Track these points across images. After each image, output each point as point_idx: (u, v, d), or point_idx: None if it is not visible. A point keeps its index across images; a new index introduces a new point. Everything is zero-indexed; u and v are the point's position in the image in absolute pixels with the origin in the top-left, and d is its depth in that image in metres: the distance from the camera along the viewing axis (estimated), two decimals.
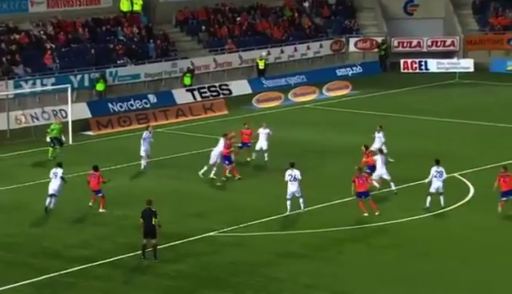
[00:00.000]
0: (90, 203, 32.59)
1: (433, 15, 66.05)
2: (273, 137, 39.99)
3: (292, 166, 31.87)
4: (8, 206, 33.63)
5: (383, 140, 37.60)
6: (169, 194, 34.14)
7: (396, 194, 33.52)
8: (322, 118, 49.38)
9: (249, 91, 56.02)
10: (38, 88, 49.76)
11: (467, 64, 61.64)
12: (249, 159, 38.83)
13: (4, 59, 50.67)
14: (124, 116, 48.59)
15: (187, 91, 54.42)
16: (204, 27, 59.96)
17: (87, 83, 52.22)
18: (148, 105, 51.72)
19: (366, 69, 61.82)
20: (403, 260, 27.39)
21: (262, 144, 38.65)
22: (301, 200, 31.71)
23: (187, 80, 55.09)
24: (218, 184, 35.85)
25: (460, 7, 66.35)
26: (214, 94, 54.93)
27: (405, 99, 53.88)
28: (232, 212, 32.10)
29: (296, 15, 64.57)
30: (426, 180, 32.09)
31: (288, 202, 31.58)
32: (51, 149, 40.72)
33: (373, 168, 33.98)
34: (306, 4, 66.41)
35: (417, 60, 62.59)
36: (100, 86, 52.19)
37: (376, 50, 63.63)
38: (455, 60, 62.24)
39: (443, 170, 31.87)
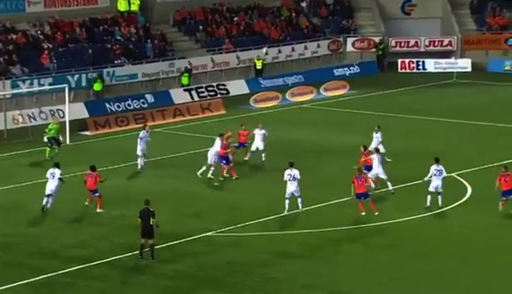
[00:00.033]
0: (86, 203, 32.56)
1: (431, 14, 66.07)
2: (271, 137, 39.99)
3: (291, 165, 31.89)
4: (5, 206, 33.60)
5: (380, 139, 37.61)
6: (167, 194, 34.12)
7: (393, 194, 33.52)
8: (320, 117, 49.38)
9: (246, 90, 56.02)
10: (36, 88, 49.72)
11: (464, 64, 61.67)
12: (246, 158, 38.82)
13: (1, 59, 50.63)
14: (122, 116, 48.56)
15: (185, 90, 54.40)
16: (201, 27, 59.95)
17: (84, 83, 52.18)
18: (145, 105, 51.69)
19: (363, 69, 61.82)
20: (400, 260, 27.39)
21: (257, 144, 38.66)
22: (299, 200, 31.72)
23: (185, 80, 55.08)
24: (216, 184, 35.84)
25: (457, 7, 66.38)
26: (212, 94, 54.92)
27: (402, 99, 53.89)
28: (230, 212, 32.09)
29: (294, 15, 64.56)
30: (425, 178, 32.13)
31: (286, 202, 31.59)
32: (48, 149, 40.69)
33: (370, 168, 33.98)
34: (303, 4, 66.42)
35: (415, 60, 62.61)
36: (97, 86, 52.15)
37: (374, 50, 63.64)
38: (452, 60, 62.27)
39: (443, 168, 31.92)
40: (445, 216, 31.57)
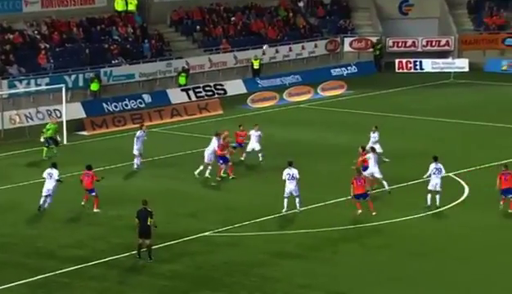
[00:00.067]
0: (82, 203, 32.52)
1: (428, 14, 66.08)
2: (268, 137, 40.00)
3: (290, 164, 31.93)
4: (2, 206, 33.56)
5: (377, 139, 37.62)
6: (164, 194, 34.10)
7: (389, 193, 33.52)
8: (317, 118, 49.37)
9: (243, 90, 56.00)
10: (33, 88, 49.67)
11: (462, 64, 61.65)
12: (242, 159, 38.82)
13: None
14: (119, 116, 48.52)
15: (182, 90, 54.36)
16: (198, 27, 59.91)
17: (81, 83, 52.14)
18: (143, 105, 51.65)
19: (360, 69, 61.82)
20: (398, 260, 27.38)
21: (253, 145, 38.68)
22: (297, 200, 31.72)
23: (182, 80, 55.04)
24: (213, 184, 35.82)
25: (454, 7, 66.40)
26: (209, 94, 54.89)
27: (400, 99, 53.90)
28: (227, 212, 32.08)
29: (291, 14, 64.55)
30: (425, 176, 32.18)
31: (285, 201, 31.61)
32: (45, 148, 40.65)
33: (367, 168, 33.95)
34: (301, 4, 66.39)
35: (412, 60, 62.60)
36: (94, 86, 52.10)
37: (371, 50, 63.62)
38: (449, 60, 62.27)
39: (442, 167, 31.99)
40: (442, 215, 31.57)
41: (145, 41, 56.54)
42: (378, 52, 63.24)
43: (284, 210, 31.62)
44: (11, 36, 52.46)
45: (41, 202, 32.25)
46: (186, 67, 56.04)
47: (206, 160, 36.34)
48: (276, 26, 62.79)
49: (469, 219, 31.09)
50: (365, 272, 26.27)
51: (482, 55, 63.16)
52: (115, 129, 46.93)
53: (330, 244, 28.75)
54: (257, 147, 38.64)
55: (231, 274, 26.21)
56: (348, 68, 61.68)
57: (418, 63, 62.44)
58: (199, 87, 54.91)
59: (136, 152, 37.92)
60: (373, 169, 33.66)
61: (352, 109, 50.90)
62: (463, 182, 34.87)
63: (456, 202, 32.71)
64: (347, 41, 64.13)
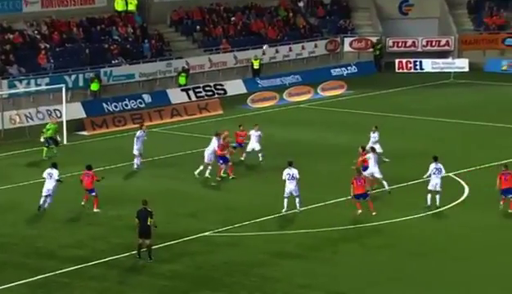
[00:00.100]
0: (82, 203, 32.52)
1: (428, 14, 66.08)
2: (268, 137, 39.99)
3: (290, 164, 31.95)
4: (2, 206, 33.55)
5: (377, 139, 37.62)
6: (164, 194, 34.10)
7: (389, 193, 33.53)
8: (317, 117, 49.38)
9: (243, 90, 56.00)
10: (33, 88, 49.67)
11: (462, 64, 61.66)
12: (242, 158, 38.83)
13: None
14: (119, 116, 48.51)
15: (182, 90, 54.36)
16: (198, 27, 59.92)
17: (81, 83, 52.13)
18: (143, 105, 51.65)
19: (360, 69, 61.82)
20: (397, 260, 27.39)
21: (253, 145, 38.69)
22: (297, 200, 31.73)
23: (182, 80, 55.04)
24: (213, 184, 35.83)
25: (454, 7, 66.40)
26: (209, 94, 54.89)
27: (400, 99, 53.90)
28: (227, 212, 32.08)
29: (291, 14, 64.55)
30: (425, 176, 32.20)
31: (285, 200, 31.63)
32: (45, 148, 40.66)
33: (367, 168, 33.95)
34: (301, 4, 66.40)
35: (412, 60, 62.60)
36: (94, 86, 52.10)
37: (371, 50, 63.62)
38: (449, 60, 62.27)
39: (442, 167, 32.01)
40: (442, 215, 31.58)
41: (145, 41, 56.54)
42: (378, 52, 63.24)
43: (284, 210, 31.63)
44: (11, 36, 52.45)
45: (41, 202, 32.25)
46: (186, 67, 56.04)
47: (206, 160, 36.36)
48: (276, 26, 62.79)
49: (469, 219, 31.09)
50: (365, 272, 26.28)
51: (482, 55, 63.16)
52: (115, 129, 46.93)
53: (330, 244, 28.75)
54: (257, 147, 38.65)
55: (231, 274, 26.22)
56: (348, 68, 61.68)
57: (418, 63, 62.44)
58: (199, 87, 54.92)
59: (136, 152, 37.93)
60: (373, 169, 33.67)
61: (352, 109, 50.90)
62: (463, 182, 34.87)
63: (456, 202, 32.71)
64: (347, 41, 64.13)
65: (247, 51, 59.20)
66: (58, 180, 32.47)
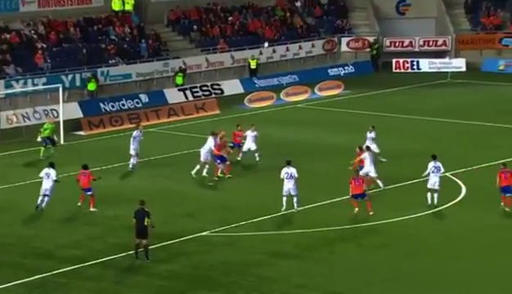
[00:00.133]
0: (79, 203, 32.47)
1: (425, 14, 66.12)
2: (265, 137, 39.99)
3: (288, 163, 31.96)
4: None
5: (373, 139, 37.60)
6: (161, 194, 34.08)
7: (384, 191, 33.49)
8: (314, 117, 49.37)
9: (241, 90, 55.99)
10: (30, 88, 49.64)
11: (459, 64, 61.76)
12: (238, 159, 38.83)
13: None
14: (116, 116, 48.49)
15: (179, 90, 54.35)
16: (195, 26, 59.91)
17: (78, 83, 52.11)
18: (140, 105, 51.64)
19: (358, 69, 61.84)
20: (394, 259, 27.38)
21: (249, 145, 38.70)
22: (295, 199, 31.73)
23: (179, 80, 55.03)
24: (210, 184, 35.81)
25: (452, 7, 66.45)
26: (206, 93, 54.88)
27: (397, 98, 53.92)
28: (224, 212, 32.07)
29: (288, 14, 64.57)
30: (424, 174, 32.21)
31: (284, 199, 31.65)
32: (42, 148, 40.64)
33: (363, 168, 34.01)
34: (298, 4, 66.42)
35: (409, 60, 62.66)
36: (91, 86, 52.08)
37: (368, 49, 63.68)
38: (447, 60, 62.35)
39: (440, 165, 32.08)
40: (439, 215, 31.59)
41: (142, 41, 56.52)
42: (375, 52, 63.28)
43: (283, 208, 31.64)
44: (8, 36, 52.42)
45: (38, 201, 32.22)
46: (183, 67, 56.02)
47: (202, 159, 36.39)
48: (273, 26, 62.80)
49: (466, 219, 31.10)
50: (361, 272, 26.27)
51: (480, 54, 63.22)
52: (112, 129, 46.90)
53: (327, 244, 28.74)
54: (253, 147, 38.66)
55: (228, 274, 26.20)
56: (346, 68, 61.71)
57: (415, 63, 62.49)
58: (196, 87, 54.90)
59: (132, 152, 37.90)
60: (368, 168, 33.70)
61: (350, 108, 50.90)
62: (460, 182, 34.88)
63: (453, 201, 32.72)
64: (344, 41, 64.15)
65: (244, 51, 59.21)
66: (55, 181, 32.43)
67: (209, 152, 36.33)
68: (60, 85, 46.32)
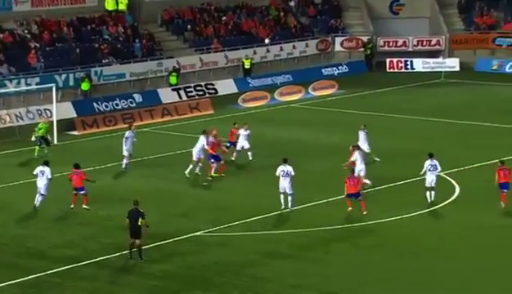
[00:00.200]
0: (72, 206, 32.36)
1: (419, 14, 66.19)
2: (259, 137, 39.99)
3: (285, 161, 31.96)
4: None
5: (365, 138, 37.54)
6: (154, 194, 34.03)
7: (372, 186, 33.43)
8: (308, 117, 49.37)
9: (234, 90, 55.96)
10: (23, 88, 49.53)
11: (452, 64, 61.83)
12: (232, 158, 38.80)
13: None
14: (110, 115, 48.42)
15: (173, 90, 54.30)
16: (189, 26, 59.87)
17: (72, 83, 52.01)
18: (133, 105, 51.57)
19: (351, 69, 61.86)
20: (389, 259, 27.37)
21: (242, 143, 38.71)
22: (290, 198, 31.73)
23: (173, 79, 54.97)
24: (204, 183, 35.77)
25: (445, 7, 66.53)
26: (200, 93, 54.84)
27: (391, 98, 53.95)
28: (217, 212, 32.03)
29: (282, 14, 64.56)
30: (421, 173, 32.22)
31: (281, 197, 31.67)
32: (37, 147, 40.57)
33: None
34: (292, 3, 66.42)
35: (403, 60, 62.71)
36: (85, 86, 51.98)
37: (362, 49, 63.70)
38: (440, 60, 62.42)
39: (437, 163, 32.15)
40: (433, 215, 31.60)
41: (136, 40, 56.45)
42: (369, 52, 63.32)
43: (282, 207, 31.61)
44: (1, 35, 52.30)
45: (35, 200, 32.20)
46: (177, 66, 55.96)
47: (194, 158, 36.41)
48: (267, 26, 62.79)
49: (460, 218, 31.12)
50: (356, 272, 26.26)
51: (473, 54, 63.31)
52: (106, 129, 46.83)
53: (322, 244, 28.72)
54: (246, 145, 38.69)
55: (222, 274, 26.17)
56: (339, 67, 61.72)
57: (409, 62, 62.56)
58: (190, 87, 54.86)
59: (125, 153, 37.84)
60: (360, 166, 33.71)
61: (344, 108, 50.92)
62: (454, 181, 34.90)
63: (447, 201, 32.74)
64: (338, 40, 64.16)
65: (238, 51, 59.18)
66: (50, 179, 32.38)
67: (202, 150, 36.34)
68: (53, 85, 46.22)
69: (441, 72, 60.28)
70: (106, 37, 55.97)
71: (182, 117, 49.51)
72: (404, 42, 64.76)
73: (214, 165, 36.35)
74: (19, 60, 51.44)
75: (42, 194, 32.24)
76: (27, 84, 49.72)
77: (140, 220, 26.95)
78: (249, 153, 38.61)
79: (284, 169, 31.72)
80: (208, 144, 36.32)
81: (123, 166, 37.85)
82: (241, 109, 51.34)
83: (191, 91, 54.66)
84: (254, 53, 59.63)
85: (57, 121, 44.39)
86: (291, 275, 25.95)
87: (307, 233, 29.69)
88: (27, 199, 32.51)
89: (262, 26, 62.37)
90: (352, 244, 28.67)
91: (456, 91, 55.70)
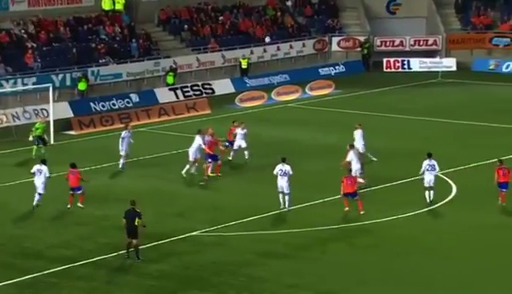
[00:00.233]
0: (68, 206, 32.34)
1: (416, 14, 66.21)
2: (255, 136, 39.98)
3: (283, 161, 31.97)
4: None
5: (360, 137, 37.45)
6: (151, 194, 34.02)
7: (366, 185, 33.47)
8: (305, 117, 49.38)
9: (232, 90, 55.95)
10: (19, 87, 49.47)
11: (449, 63, 61.85)
12: (230, 158, 38.79)
13: None
14: (106, 115, 48.39)
15: (170, 90, 54.28)
16: (186, 26, 59.84)
17: (68, 83, 51.97)
18: (130, 105, 51.54)
19: (348, 68, 61.87)
20: (386, 259, 27.38)
21: (239, 142, 38.72)
22: (287, 198, 31.74)
23: (170, 79, 54.96)
24: (201, 183, 35.75)
25: (442, 6, 66.56)
26: (197, 93, 54.82)
27: (387, 98, 53.96)
28: (214, 212, 32.03)
29: (279, 14, 64.56)
30: (420, 172, 32.21)
31: (280, 196, 31.67)
32: (35, 147, 40.54)
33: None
34: (289, 3, 66.42)
35: (400, 59, 62.72)
36: (82, 86, 51.95)
37: (359, 49, 63.70)
38: (437, 59, 62.43)
39: (435, 163, 32.18)
40: (430, 214, 31.62)
41: (133, 40, 56.41)
42: (366, 51, 63.31)
43: (281, 206, 31.61)
44: None
45: (34, 201, 32.21)
46: (174, 66, 55.94)
47: (191, 158, 36.38)
48: (264, 25, 62.78)
49: (456, 218, 31.14)
50: (353, 271, 26.27)
51: (470, 54, 63.34)
52: (103, 129, 46.80)
53: (319, 244, 28.73)
54: (243, 144, 38.70)
55: (219, 274, 26.17)
56: (336, 67, 61.73)
57: (406, 62, 62.57)
58: (187, 87, 54.83)
59: (122, 152, 37.82)
60: (356, 166, 33.71)
61: (340, 108, 50.93)
62: (450, 181, 34.92)
63: (444, 201, 32.76)
64: (335, 40, 64.17)
65: (235, 51, 59.16)
66: (48, 177, 32.39)
67: (198, 150, 36.33)
68: (50, 84, 46.18)
69: (438, 72, 60.31)
70: (103, 36, 55.93)
71: (179, 117, 49.50)
72: (401, 41, 64.78)
73: (211, 164, 36.34)
74: (15, 59, 51.38)
75: (39, 193, 32.23)
76: (24, 84, 49.68)
77: (137, 220, 26.94)
78: (246, 153, 38.60)
79: (282, 168, 31.74)
80: (205, 144, 36.31)
81: (120, 166, 37.85)
82: (238, 109, 51.34)
83: (188, 91, 54.65)
84: (251, 53, 59.62)
85: (54, 121, 44.33)
86: (288, 275, 25.95)
87: (303, 233, 29.69)
88: (24, 199, 32.49)
89: (260, 26, 62.36)
90: (348, 244, 28.68)
91: (453, 91, 55.72)
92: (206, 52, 58.52)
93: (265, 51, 60.85)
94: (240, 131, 38.81)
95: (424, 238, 29.12)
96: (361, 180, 33.60)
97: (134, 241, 27.06)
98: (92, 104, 50.55)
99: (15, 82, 49.70)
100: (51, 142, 42.93)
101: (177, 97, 53.79)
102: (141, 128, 45.72)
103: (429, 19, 66.17)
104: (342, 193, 31.48)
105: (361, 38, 63.95)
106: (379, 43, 64.81)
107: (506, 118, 46.42)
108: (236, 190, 35.00)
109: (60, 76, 51.54)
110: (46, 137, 41.48)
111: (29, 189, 32.67)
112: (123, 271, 26.62)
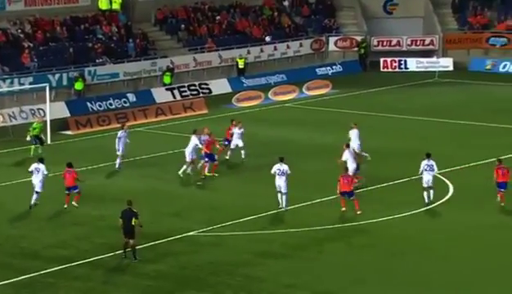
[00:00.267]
0: (65, 206, 32.31)
1: (413, 14, 66.26)
2: (252, 136, 39.97)
3: (281, 160, 31.96)
4: None
5: (354, 136, 37.41)
6: (148, 194, 34.01)
7: (362, 184, 33.44)
8: (302, 117, 49.39)
9: (228, 90, 55.94)
10: (16, 87, 49.43)
11: (446, 63, 61.90)
12: (227, 157, 38.79)
13: None
14: (103, 115, 48.36)
15: (167, 90, 54.26)
16: (183, 26, 59.82)
17: (65, 82, 51.93)
18: (127, 104, 51.52)
19: (345, 68, 61.89)
20: (382, 258, 27.39)
21: (236, 142, 38.75)
22: (284, 197, 31.74)
23: (167, 79, 54.93)
24: (198, 183, 35.74)
25: (439, 6, 66.61)
26: (194, 93, 54.81)
27: (384, 98, 53.99)
28: (211, 212, 32.01)
29: (276, 13, 64.57)
30: (419, 172, 32.21)
31: (278, 196, 31.65)
32: (33, 146, 40.52)
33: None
34: (285, 3, 66.43)
35: (397, 59, 62.76)
36: (78, 86, 51.91)
37: (356, 49, 63.74)
38: (434, 59, 62.49)
39: (434, 163, 32.16)
40: (427, 214, 31.62)
41: (130, 40, 56.39)
42: (363, 51, 63.35)
43: (279, 206, 31.61)
44: None
45: (31, 201, 32.18)
46: (171, 66, 55.92)
47: (188, 159, 36.37)
48: (261, 25, 62.78)
49: (453, 218, 31.14)
50: (350, 271, 26.27)
51: (467, 54, 63.40)
52: (100, 128, 46.77)
53: (316, 243, 28.73)
54: (240, 143, 38.73)
55: (216, 274, 26.16)
56: (333, 67, 61.75)
57: (403, 62, 62.61)
58: (183, 87, 54.82)
59: (119, 152, 37.80)
60: (352, 165, 33.71)
61: (337, 108, 50.94)
62: (448, 181, 34.93)
63: (441, 201, 32.77)
64: (332, 40, 64.19)
65: (232, 50, 59.16)
66: (46, 175, 32.37)
67: (194, 151, 36.32)
68: (46, 84, 46.14)
69: (435, 71, 60.35)
70: (100, 36, 55.90)
71: (176, 116, 49.48)
72: (398, 41, 64.82)
73: (207, 164, 36.33)
74: (12, 59, 51.34)
75: (37, 192, 32.21)
76: (20, 84, 49.63)
77: (133, 220, 26.93)
78: (242, 152, 38.60)
79: (280, 168, 31.75)
80: (202, 143, 36.31)
81: (117, 165, 37.83)
82: (235, 109, 51.33)
83: (185, 91, 54.63)
84: (248, 53, 59.61)
85: (51, 120, 44.31)
86: (285, 275, 25.95)
87: (300, 233, 29.69)
88: (21, 199, 32.45)
89: (257, 26, 62.36)
90: (345, 244, 28.68)
91: (450, 91, 55.76)
92: (203, 52, 58.51)
93: (262, 50, 60.85)
94: (237, 131, 38.84)
95: (420, 238, 29.13)
96: (355, 180, 33.60)
97: (131, 241, 27.05)
98: (88, 103, 50.51)
99: (12, 82, 49.65)
100: (48, 142, 42.89)
101: (174, 97, 53.78)
102: (138, 128, 45.69)
103: (426, 19, 66.21)
104: (338, 192, 31.48)
105: (358, 38, 63.98)
106: (376, 43, 64.85)
107: (503, 117, 46.46)
108: (233, 190, 34.99)
109: (57, 76, 51.51)
110: (43, 137, 41.45)
111: (26, 189, 32.62)
112: (119, 271, 26.61)
